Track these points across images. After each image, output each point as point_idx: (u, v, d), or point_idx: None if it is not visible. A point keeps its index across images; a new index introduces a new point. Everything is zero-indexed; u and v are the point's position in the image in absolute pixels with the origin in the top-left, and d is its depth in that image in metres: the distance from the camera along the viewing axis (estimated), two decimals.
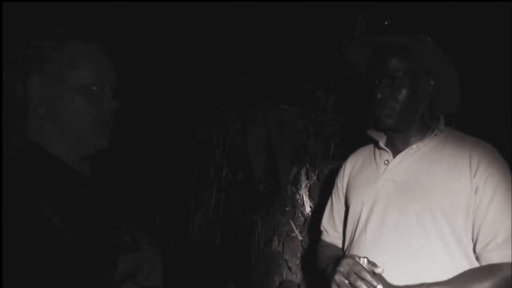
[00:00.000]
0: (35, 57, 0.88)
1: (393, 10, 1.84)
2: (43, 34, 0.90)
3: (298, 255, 2.03)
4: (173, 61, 2.32)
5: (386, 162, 1.25)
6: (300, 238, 2.03)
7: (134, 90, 2.11)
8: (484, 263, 1.09)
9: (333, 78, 2.09)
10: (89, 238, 0.82)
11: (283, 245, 2.07)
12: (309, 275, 1.98)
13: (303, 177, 2.08)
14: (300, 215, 2.07)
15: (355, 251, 1.20)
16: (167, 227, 2.32)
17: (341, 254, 1.30)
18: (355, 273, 1.04)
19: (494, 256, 1.06)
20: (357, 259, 1.07)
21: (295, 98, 2.16)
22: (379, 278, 1.05)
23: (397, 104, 1.18)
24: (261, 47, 2.18)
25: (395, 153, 1.25)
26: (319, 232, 1.51)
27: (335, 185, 1.45)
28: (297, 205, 2.08)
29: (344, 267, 1.07)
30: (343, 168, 1.42)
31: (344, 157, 1.48)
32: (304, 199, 2.06)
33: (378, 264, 1.08)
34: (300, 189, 2.08)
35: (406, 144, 1.24)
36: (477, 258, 1.11)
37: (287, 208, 2.11)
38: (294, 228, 2.05)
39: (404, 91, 1.18)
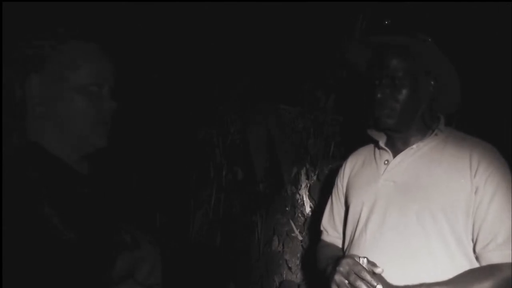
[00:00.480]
0: (35, 57, 0.88)
1: (393, 10, 1.84)
2: (43, 34, 0.90)
3: (298, 255, 2.03)
4: (173, 61, 2.32)
5: (386, 162, 1.25)
6: (300, 238, 2.03)
7: (134, 90, 2.11)
8: (484, 263, 1.09)
9: (333, 78, 2.09)
10: (89, 237, 0.82)
11: (283, 245, 2.07)
12: (309, 275, 1.98)
13: (303, 177, 2.08)
14: (300, 215, 2.07)
15: (355, 251, 1.20)
16: (167, 227, 2.32)
17: (341, 254, 1.30)
18: (355, 273, 1.04)
19: (494, 256, 1.06)
20: (357, 259, 1.07)
21: (295, 98, 2.16)
22: (379, 278, 1.05)
23: (397, 104, 1.18)
24: (261, 47, 2.18)
25: (395, 153, 1.25)
26: (319, 232, 1.51)
27: (335, 185, 1.45)
28: (297, 205, 2.08)
29: (344, 267, 1.07)
30: (343, 168, 1.42)
31: (344, 157, 1.48)
32: (304, 199, 2.06)
33: (378, 264, 1.08)
34: (300, 189, 2.08)
35: (406, 144, 1.24)
36: (477, 258, 1.11)
37: (287, 208, 2.11)
38: (294, 228, 2.05)
39: (404, 91, 1.18)
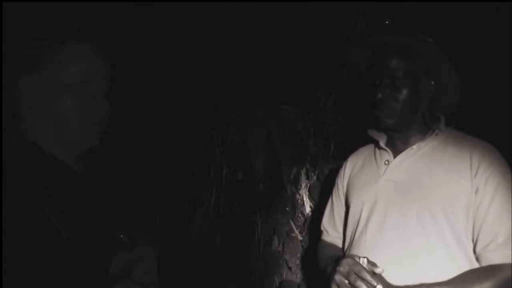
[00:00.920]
0: (28, 58, 0.88)
1: (393, 10, 1.83)
2: (37, 34, 0.91)
3: (298, 255, 2.03)
4: (173, 61, 2.32)
5: (386, 162, 1.25)
6: (300, 238, 2.03)
7: (134, 90, 2.11)
8: (484, 263, 1.09)
9: (333, 78, 2.09)
10: (86, 237, 0.82)
11: (283, 245, 2.07)
12: (309, 275, 1.98)
13: (303, 177, 2.08)
14: (300, 215, 2.07)
15: (355, 251, 1.20)
16: (167, 227, 2.32)
17: (341, 254, 1.30)
18: (355, 273, 1.04)
19: (495, 256, 1.06)
20: (357, 259, 1.07)
21: (295, 98, 2.16)
22: (379, 278, 1.05)
23: (397, 104, 1.18)
24: (261, 47, 2.18)
25: (396, 153, 1.25)
26: (319, 232, 1.51)
27: (336, 185, 1.45)
28: (297, 205, 2.08)
29: (344, 267, 1.07)
30: (343, 168, 1.42)
31: (344, 157, 1.48)
32: (304, 199, 2.06)
33: (378, 264, 1.08)
34: (300, 189, 2.08)
35: (406, 144, 1.24)
36: (477, 259, 1.11)
37: (287, 208, 2.11)
38: (294, 228, 2.05)
39: (404, 91, 1.18)
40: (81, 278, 0.79)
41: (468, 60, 1.46)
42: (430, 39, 1.19)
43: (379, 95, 1.19)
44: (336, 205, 1.43)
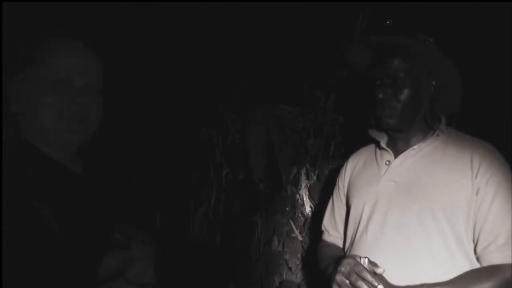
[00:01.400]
0: (24, 56, 0.89)
1: (394, 10, 1.83)
2: (35, 33, 0.91)
3: (298, 255, 2.03)
4: (173, 61, 2.32)
5: (387, 162, 1.25)
6: (300, 238, 2.03)
7: (134, 90, 2.11)
8: (485, 264, 1.09)
9: (333, 78, 2.09)
10: (79, 235, 0.82)
11: (283, 245, 2.07)
12: (309, 275, 1.98)
13: (303, 177, 2.08)
14: (300, 215, 2.07)
15: (356, 251, 1.20)
16: (167, 227, 2.32)
17: (342, 254, 1.30)
18: (356, 273, 1.04)
19: (495, 257, 1.07)
20: (358, 259, 1.07)
21: (295, 98, 2.16)
22: (380, 278, 1.05)
23: (398, 104, 1.18)
24: (261, 47, 2.18)
25: (397, 153, 1.25)
26: (320, 232, 1.51)
27: (336, 185, 1.45)
28: (297, 205, 2.08)
29: (345, 267, 1.07)
30: (344, 167, 1.42)
31: (344, 157, 1.48)
32: (304, 199, 2.06)
33: (379, 264, 1.08)
34: (300, 189, 2.08)
35: (407, 145, 1.24)
36: (477, 259, 1.11)
37: (287, 208, 2.11)
38: (294, 228, 2.05)
39: (405, 91, 1.18)
40: (73, 276, 0.79)
41: (468, 60, 1.45)
42: (431, 39, 1.19)
43: (380, 95, 1.19)
44: (336, 205, 1.43)
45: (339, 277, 1.08)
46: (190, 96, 2.35)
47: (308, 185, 2.06)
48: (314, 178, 2.05)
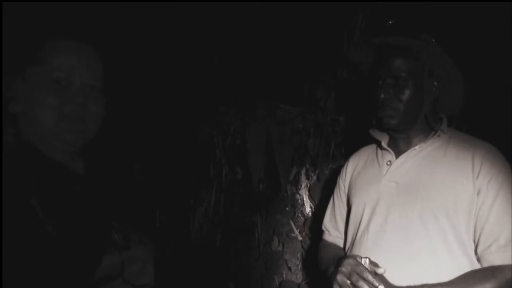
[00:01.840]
0: (24, 57, 0.89)
1: (394, 10, 1.83)
2: (43, 34, 0.91)
3: (298, 255, 2.03)
4: (173, 61, 2.32)
5: (388, 162, 1.25)
6: (300, 238, 2.03)
7: (134, 90, 2.11)
8: (485, 264, 1.09)
9: (333, 78, 2.09)
10: (77, 234, 0.82)
11: (283, 245, 2.07)
12: (309, 275, 1.98)
13: (303, 177, 2.08)
14: (300, 215, 2.07)
15: (356, 251, 1.21)
16: (167, 227, 2.32)
17: (342, 254, 1.30)
18: (357, 274, 1.04)
19: (496, 258, 1.07)
20: (359, 260, 1.07)
21: (295, 98, 2.16)
22: (381, 278, 1.05)
23: (400, 105, 1.18)
24: (261, 47, 2.18)
25: (398, 153, 1.25)
26: (321, 232, 1.51)
27: (337, 185, 1.45)
28: (297, 205, 2.08)
29: (346, 267, 1.07)
30: (345, 167, 1.42)
31: (344, 157, 1.49)
32: (304, 199, 2.06)
33: (380, 265, 1.08)
34: (300, 189, 2.08)
35: (408, 145, 1.24)
36: (478, 259, 1.11)
37: (287, 208, 2.11)
38: (294, 228, 2.05)
39: (407, 92, 1.18)
40: (71, 276, 0.79)
41: (468, 60, 1.46)
42: (433, 40, 1.19)
43: (382, 96, 1.19)
44: (337, 205, 1.43)
45: (340, 277, 1.08)
46: (190, 96, 2.35)
47: (308, 185, 2.06)
48: (314, 178, 2.05)
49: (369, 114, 1.31)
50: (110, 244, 0.89)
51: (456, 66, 1.21)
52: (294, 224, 2.06)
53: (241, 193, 2.27)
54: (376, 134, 1.30)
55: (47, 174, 0.88)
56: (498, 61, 1.68)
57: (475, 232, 1.11)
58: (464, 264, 1.09)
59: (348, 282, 1.06)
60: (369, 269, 1.05)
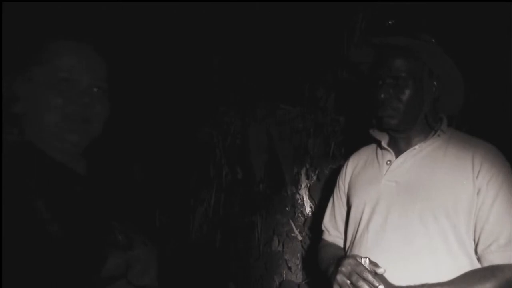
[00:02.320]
0: (27, 57, 0.89)
1: (394, 10, 1.83)
2: (47, 34, 0.91)
3: (298, 255, 2.03)
4: (173, 61, 2.32)
5: (388, 162, 1.25)
6: (300, 238, 2.03)
7: (135, 91, 2.11)
8: (486, 264, 1.09)
9: (333, 78, 2.09)
10: (80, 234, 0.82)
11: (283, 245, 2.07)
12: (309, 275, 1.98)
13: (303, 177, 2.08)
14: (300, 215, 2.07)
15: (356, 250, 1.21)
16: (167, 227, 2.32)
17: (342, 254, 1.30)
18: (357, 274, 1.04)
19: (496, 257, 1.07)
20: (359, 259, 1.07)
21: (295, 98, 2.16)
22: (381, 278, 1.05)
23: (400, 105, 1.18)
24: (261, 47, 2.18)
25: (398, 153, 1.25)
26: (320, 232, 1.51)
27: (337, 184, 1.45)
28: (297, 205, 2.08)
29: (346, 267, 1.07)
30: (345, 167, 1.42)
31: (344, 157, 1.49)
32: (304, 199, 2.06)
33: (380, 264, 1.08)
34: (300, 189, 2.08)
35: (408, 145, 1.24)
36: (478, 259, 1.11)
37: (287, 208, 2.11)
38: (294, 228, 2.05)
39: (407, 92, 1.18)
40: (74, 277, 0.79)
41: (468, 60, 1.46)
42: (433, 40, 1.19)
43: (382, 96, 1.19)
44: (337, 204, 1.43)
45: (340, 277, 1.08)
46: (190, 96, 2.35)
47: (308, 185, 2.06)
48: (314, 178, 2.05)
49: (369, 114, 1.31)
50: (114, 245, 0.89)
51: (456, 66, 1.21)
52: (294, 224, 2.06)
53: (241, 193, 2.27)
54: (376, 134, 1.30)
55: (52, 175, 0.88)
56: (498, 61, 1.68)
57: (475, 231, 1.11)
58: (464, 264, 1.09)
59: (348, 282, 1.06)
60: (369, 269, 1.05)
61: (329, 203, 1.48)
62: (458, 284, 1.06)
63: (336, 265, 1.13)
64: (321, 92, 2.12)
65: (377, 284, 1.01)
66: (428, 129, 1.24)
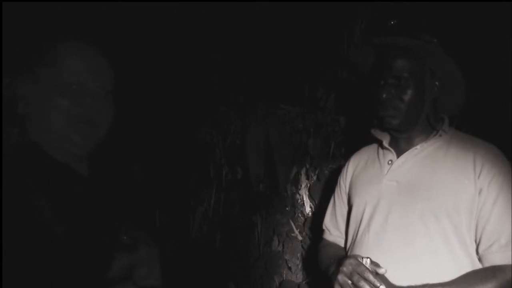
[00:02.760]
0: (32, 58, 0.88)
1: (394, 10, 1.84)
2: (42, 34, 0.91)
3: (298, 255, 2.03)
4: (173, 61, 2.31)
5: (389, 162, 1.25)
6: (300, 238, 2.03)
7: (135, 91, 2.11)
8: (487, 264, 1.09)
9: (333, 78, 2.09)
10: (83, 236, 0.82)
11: (283, 245, 2.07)
12: (309, 275, 1.98)
13: (303, 177, 2.08)
14: (300, 215, 2.07)
15: (357, 250, 1.21)
16: (167, 227, 2.31)
17: (343, 254, 1.30)
18: (358, 274, 1.04)
19: (497, 257, 1.07)
20: (360, 259, 1.07)
21: (295, 98, 2.16)
22: (382, 278, 1.05)
23: (402, 105, 1.19)
24: (261, 47, 2.18)
25: (399, 153, 1.25)
26: (321, 231, 1.51)
27: (338, 184, 1.45)
28: (297, 205, 2.08)
29: (347, 267, 1.07)
30: (346, 167, 1.42)
31: (344, 157, 1.49)
32: (304, 199, 2.06)
33: (381, 265, 1.08)
34: (300, 189, 2.08)
35: (410, 145, 1.24)
36: (479, 259, 1.11)
37: (287, 208, 2.11)
38: (294, 228, 2.05)
39: (409, 92, 1.18)
40: (79, 278, 0.79)
41: (468, 60, 1.46)
42: (434, 40, 1.19)
43: (384, 96, 1.19)
44: (338, 204, 1.43)
45: (341, 277, 1.08)
46: (190, 96, 2.35)
47: (308, 185, 2.06)
48: (314, 178, 2.05)
49: (370, 114, 1.31)
50: (119, 246, 0.89)
51: (457, 66, 1.21)
52: (294, 224, 2.06)
53: (241, 193, 2.27)
54: (378, 133, 1.30)
55: (55, 176, 0.87)
56: (498, 61, 1.68)
57: (476, 232, 1.11)
58: (465, 264, 1.09)
59: (349, 282, 1.06)
60: (370, 269, 1.05)
61: (330, 202, 1.48)
62: (459, 284, 1.06)
63: (337, 265, 1.13)
64: (321, 92, 2.11)
65: (378, 284, 1.02)
66: (429, 129, 1.24)
